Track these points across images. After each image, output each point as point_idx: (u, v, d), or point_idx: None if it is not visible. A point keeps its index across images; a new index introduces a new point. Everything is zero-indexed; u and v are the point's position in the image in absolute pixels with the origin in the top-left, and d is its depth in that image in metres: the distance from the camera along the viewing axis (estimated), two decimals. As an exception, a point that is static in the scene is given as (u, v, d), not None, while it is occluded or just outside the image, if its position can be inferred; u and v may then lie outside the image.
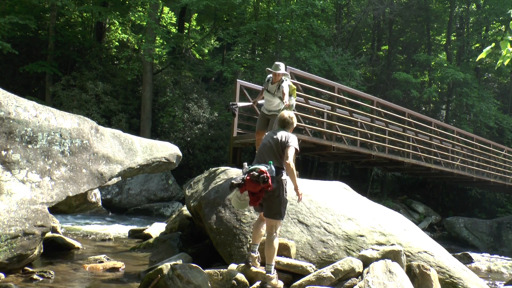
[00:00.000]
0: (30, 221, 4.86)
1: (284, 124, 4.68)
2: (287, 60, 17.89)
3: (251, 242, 4.70)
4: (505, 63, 3.93)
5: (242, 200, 4.41)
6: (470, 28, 24.14)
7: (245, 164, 4.41)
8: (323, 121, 10.00)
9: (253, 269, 4.50)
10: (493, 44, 3.98)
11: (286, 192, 4.45)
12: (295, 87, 6.19)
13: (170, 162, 7.41)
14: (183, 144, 18.69)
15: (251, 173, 4.21)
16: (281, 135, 4.52)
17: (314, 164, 21.16)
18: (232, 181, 4.31)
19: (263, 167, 4.22)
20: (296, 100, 9.02)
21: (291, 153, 4.39)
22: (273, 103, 6.18)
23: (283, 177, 4.41)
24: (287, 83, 5.98)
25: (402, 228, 5.53)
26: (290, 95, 6.00)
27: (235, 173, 6.32)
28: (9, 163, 5.07)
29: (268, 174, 4.17)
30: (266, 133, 4.89)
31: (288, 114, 4.76)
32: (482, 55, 3.96)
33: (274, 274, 4.32)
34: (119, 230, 10.39)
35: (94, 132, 6.13)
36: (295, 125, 4.80)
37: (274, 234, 4.38)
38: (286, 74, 6.10)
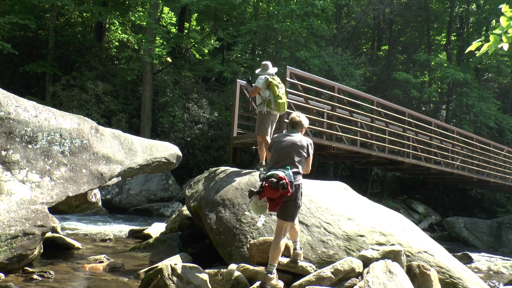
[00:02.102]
0: (30, 221, 4.86)
1: (293, 125, 4.73)
2: (287, 60, 17.90)
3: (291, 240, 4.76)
4: (490, 53, 4.00)
5: (260, 206, 4.38)
6: (470, 28, 24.14)
7: (262, 169, 4.41)
8: (323, 121, 10.00)
9: (302, 264, 4.64)
10: (482, 37, 4.02)
11: (302, 196, 4.49)
12: (274, 82, 6.14)
13: (170, 162, 7.41)
14: (183, 144, 18.69)
15: (269, 179, 4.16)
16: (300, 139, 4.56)
17: (314, 164, 21.11)
18: (251, 188, 4.30)
19: (280, 173, 4.18)
20: (296, 100, 9.07)
21: (310, 163, 4.66)
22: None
23: (299, 182, 4.42)
24: (260, 78, 6.15)
25: (402, 228, 5.53)
26: (266, 88, 6.11)
27: (235, 173, 6.32)
28: (9, 163, 5.08)
29: (287, 180, 4.14)
30: (278, 135, 4.84)
31: (294, 114, 4.82)
32: (471, 48, 4.01)
33: (274, 275, 4.32)
34: (119, 230, 10.39)
35: (94, 132, 6.13)
36: (305, 125, 4.80)
37: (282, 236, 4.40)
38: (267, 74, 6.21)
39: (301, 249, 4.82)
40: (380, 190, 21.52)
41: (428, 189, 22.35)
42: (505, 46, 3.87)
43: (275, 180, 4.12)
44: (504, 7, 3.77)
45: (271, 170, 4.33)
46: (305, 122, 4.81)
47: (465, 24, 24.63)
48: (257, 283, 4.34)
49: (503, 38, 3.81)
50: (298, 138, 4.57)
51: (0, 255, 4.55)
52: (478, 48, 3.96)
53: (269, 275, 4.29)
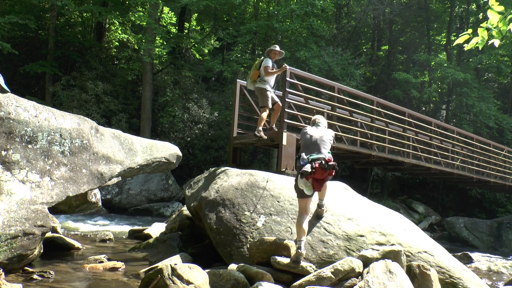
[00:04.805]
0: (30, 221, 4.86)
1: (317, 124, 5.36)
2: (287, 60, 17.89)
3: (296, 238, 4.78)
4: (480, 48, 4.01)
5: (307, 186, 4.82)
6: (470, 28, 24.12)
7: (303, 154, 4.84)
8: (323, 121, 9.98)
9: (303, 264, 4.66)
10: (470, 30, 3.97)
11: None
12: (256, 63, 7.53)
13: (170, 162, 7.41)
14: (183, 144, 18.69)
15: (318, 162, 4.70)
16: (327, 131, 5.23)
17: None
18: (304, 169, 4.69)
19: (326, 156, 4.80)
20: (296, 100, 9.12)
21: None
22: None
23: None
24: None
25: (402, 228, 5.53)
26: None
27: (235, 173, 6.32)
28: (9, 163, 5.07)
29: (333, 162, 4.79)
30: (307, 128, 5.33)
31: (317, 117, 5.50)
32: (459, 41, 3.99)
33: (324, 208, 5.36)
34: (119, 230, 10.40)
35: (94, 132, 6.13)
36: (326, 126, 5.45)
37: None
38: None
39: (303, 248, 4.82)
40: (380, 190, 21.51)
41: (428, 189, 22.35)
42: (496, 42, 3.81)
43: (324, 162, 4.69)
44: (491, 0, 3.69)
45: (312, 155, 4.80)
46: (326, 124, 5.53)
47: (465, 24, 24.62)
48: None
49: (494, 33, 3.76)
50: (325, 130, 5.26)
51: (0, 255, 4.55)
52: (467, 42, 3.93)
53: (322, 208, 5.34)
